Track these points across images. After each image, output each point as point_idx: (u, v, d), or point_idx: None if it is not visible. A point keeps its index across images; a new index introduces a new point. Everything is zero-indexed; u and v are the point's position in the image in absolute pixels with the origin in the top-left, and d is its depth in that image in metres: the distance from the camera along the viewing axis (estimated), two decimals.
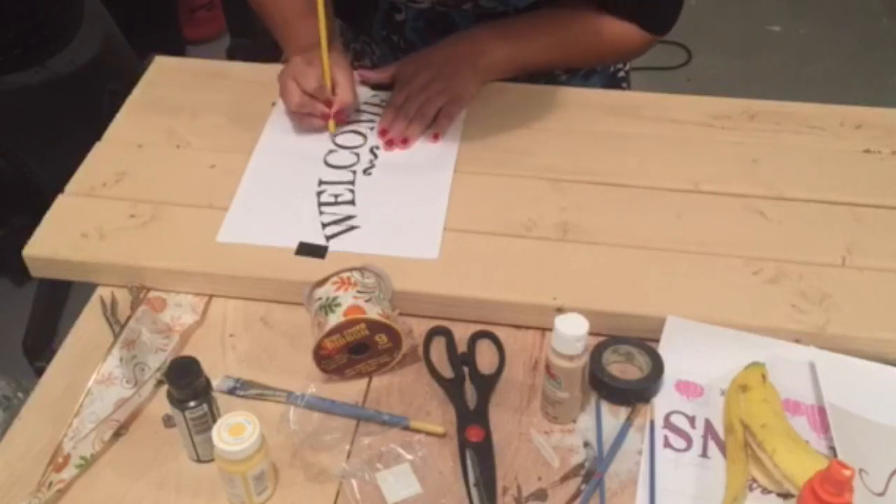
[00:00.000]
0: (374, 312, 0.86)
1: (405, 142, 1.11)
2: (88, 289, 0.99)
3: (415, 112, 1.12)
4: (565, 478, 0.82)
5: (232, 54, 2.62)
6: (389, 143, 1.11)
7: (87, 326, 0.96)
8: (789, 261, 0.96)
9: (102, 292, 0.98)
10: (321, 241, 0.99)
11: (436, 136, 1.12)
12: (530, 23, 1.15)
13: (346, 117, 1.13)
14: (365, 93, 1.18)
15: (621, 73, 1.31)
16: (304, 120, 1.12)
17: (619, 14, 1.13)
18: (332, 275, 0.89)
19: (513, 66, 1.17)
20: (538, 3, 1.15)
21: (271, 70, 1.26)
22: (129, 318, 0.94)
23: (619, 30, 1.14)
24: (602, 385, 0.87)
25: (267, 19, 1.19)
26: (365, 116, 1.16)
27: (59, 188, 1.06)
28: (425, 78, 1.14)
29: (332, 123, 1.11)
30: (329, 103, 1.10)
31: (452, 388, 0.88)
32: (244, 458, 0.76)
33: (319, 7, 1.04)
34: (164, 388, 0.82)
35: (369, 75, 1.18)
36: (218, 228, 1.00)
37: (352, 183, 1.06)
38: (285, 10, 1.16)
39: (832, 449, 0.81)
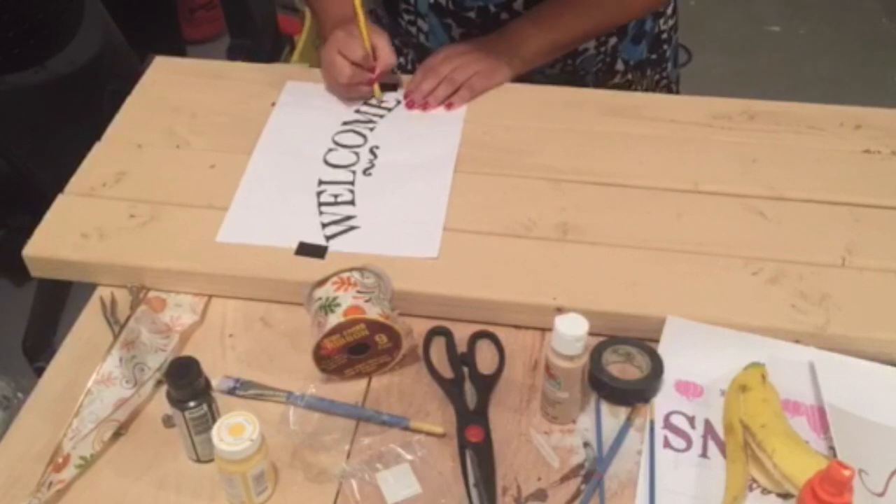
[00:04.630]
0: (373, 312, 0.86)
1: (425, 106, 1.15)
2: (88, 289, 0.99)
3: (446, 74, 1.15)
4: (565, 478, 0.82)
5: (232, 54, 2.62)
6: (410, 104, 1.15)
7: (87, 326, 0.96)
8: (789, 261, 0.96)
9: (102, 292, 0.98)
10: (321, 241, 0.99)
11: (449, 106, 1.15)
12: (561, 4, 1.16)
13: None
14: (365, 92, 1.18)
15: (665, 35, 1.32)
16: (352, 91, 1.15)
17: None
18: (332, 275, 0.89)
19: (551, 50, 1.20)
20: None
21: (271, 70, 1.26)
22: (128, 318, 0.94)
23: None
24: (602, 385, 0.87)
25: None
26: (364, 117, 1.16)
27: (59, 188, 1.06)
28: (462, 49, 1.18)
29: (377, 88, 1.15)
30: (373, 69, 1.13)
31: (452, 389, 0.88)
32: (244, 458, 0.76)
33: None
34: (164, 388, 0.82)
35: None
36: (218, 228, 1.00)
37: (351, 183, 1.06)
38: None
39: (832, 449, 0.81)
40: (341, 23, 1.14)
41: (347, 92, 1.16)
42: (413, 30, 1.28)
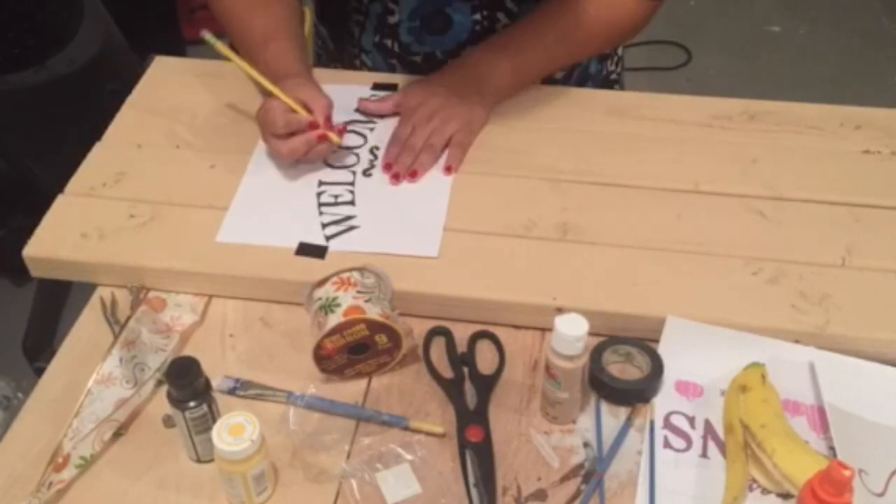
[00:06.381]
0: (373, 312, 0.86)
1: (414, 175, 1.05)
2: (88, 289, 0.99)
3: (422, 144, 1.07)
4: (565, 478, 0.82)
5: None
6: (395, 178, 1.05)
7: (87, 326, 0.96)
8: (789, 261, 0.96)
9: (102, 292, 0.98)
10: (321, 242, 0.99)
11: (449, 169, 1.06)
12: (526, 32, 1.12)
13: (333, 124, 1.05)
14: (364, 92, 1.18)
15: (614, 76, 1.30)
16: (309, 154, 1.04)
17: None
18: (332, 275, 0.89)
19: (519, 82, 1.14)
20: None
21: None
22: (128, 318, 0.94)
23: (614, 7, 1.10)
24: (602, 385, 0.87)
25: (235, 44, 1.15)
26: (364, 117, 1.15)
27: (59, 188, 1.06)
28: (431, 107, 1.09)
29: (332, 136, 1.04)
30: (314, 124, 1.02)
31: (452, 389, 0.88)
32: (244, 458, 0.76)
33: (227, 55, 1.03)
34: (164, 388, 0.82)
35: (370, 107, 1.14)
36: (218, 228, 1.00)
37: (352, 184, 1.06)
38: (252, 34, 1.12)
39: (832, 449, 0.81)
40: (276, 81, 1.05)
41: (302, 159, 1.05)
42: (356, 63, 1.24)
